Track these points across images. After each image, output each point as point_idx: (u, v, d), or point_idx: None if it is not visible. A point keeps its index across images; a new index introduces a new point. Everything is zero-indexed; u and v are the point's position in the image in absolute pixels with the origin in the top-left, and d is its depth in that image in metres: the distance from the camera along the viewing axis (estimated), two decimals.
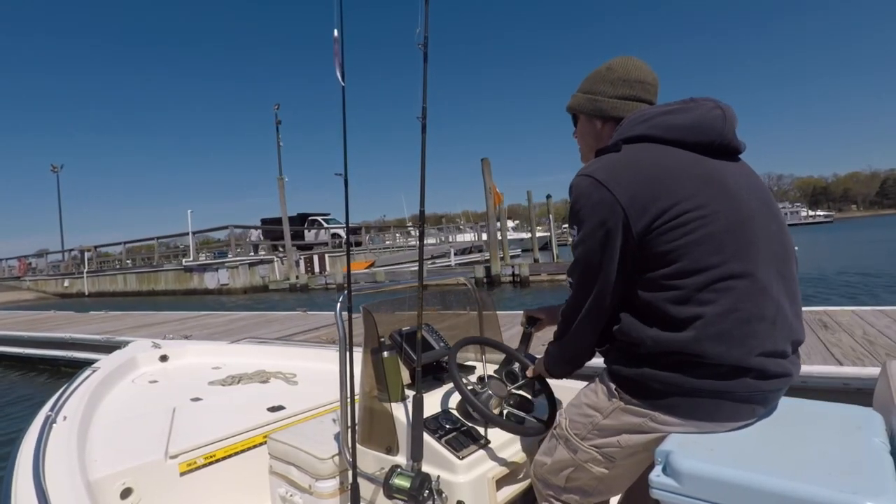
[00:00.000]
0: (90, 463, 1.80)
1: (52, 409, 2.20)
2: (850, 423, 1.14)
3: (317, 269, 24.08)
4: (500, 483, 1.45)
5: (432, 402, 1.58)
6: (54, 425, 2.01)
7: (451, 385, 1.65)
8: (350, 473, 1.48)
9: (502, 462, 1.47)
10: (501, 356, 1.64)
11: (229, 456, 2.03)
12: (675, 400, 1.13)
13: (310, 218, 30.13)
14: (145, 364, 3.18)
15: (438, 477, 1.38)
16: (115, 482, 1.75)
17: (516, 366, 1.59)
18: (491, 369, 1.66)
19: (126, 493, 1.76)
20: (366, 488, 1.52)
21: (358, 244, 29.49)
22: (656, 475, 1.07)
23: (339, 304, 1.60)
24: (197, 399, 2.49)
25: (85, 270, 29.91)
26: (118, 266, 29.47)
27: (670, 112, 1.20)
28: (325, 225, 29.63)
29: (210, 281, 23.19)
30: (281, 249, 24.93)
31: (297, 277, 21.67)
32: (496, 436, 1.52)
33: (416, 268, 1.58)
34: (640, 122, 1.22)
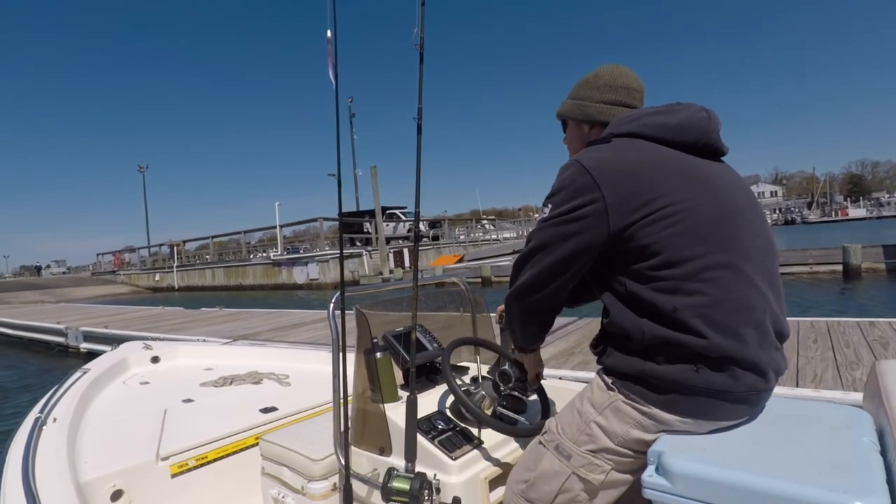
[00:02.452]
0: (80, 465, 1.79)
1: (41, 411, 2.18)
2: (839, 423, 1.15)
3: (406, 263, 23.33)
4: (494, 484, 1.45)
5: (426, 403, 1.58)
6: (44, 427, 2.00)
7: (444, 386, 1.65)
8: (343, 474, 1.47)
9: (495, 462, 1.47)
10: (495, 357, 1.65)
11: (221, 457, 2.02)
12: (673, 397, 1.13)
13: (388, 211, 28.85)
14: (136, 365, 3.16)
15: (435, 475, 1.38)
16: (106, 484, 1.74)
17: (509, 366, 1.59)
18: (484, 370, 1.67)
19: (117, 495, 1.75)
20: (359, 489, 1.52)
21: (440, 237, 29.14)
22: (649, 475, 1.07)
23: (331, 305, 1.60)
24: (189, 400, 2.48)
25: (175, 265, 30.30)
26: (197, 260, 30.02)
27: (658, 113, 1.24)
28: (403, 218, 28.82)
29: (299, 275, 22.57)
30: (359, 244, 24.53)
31: (390, 272, 20.64)
32: (489, 436, 1.52)
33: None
34: (629, 121, 1.25)
